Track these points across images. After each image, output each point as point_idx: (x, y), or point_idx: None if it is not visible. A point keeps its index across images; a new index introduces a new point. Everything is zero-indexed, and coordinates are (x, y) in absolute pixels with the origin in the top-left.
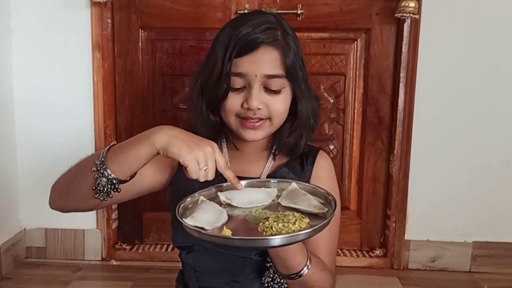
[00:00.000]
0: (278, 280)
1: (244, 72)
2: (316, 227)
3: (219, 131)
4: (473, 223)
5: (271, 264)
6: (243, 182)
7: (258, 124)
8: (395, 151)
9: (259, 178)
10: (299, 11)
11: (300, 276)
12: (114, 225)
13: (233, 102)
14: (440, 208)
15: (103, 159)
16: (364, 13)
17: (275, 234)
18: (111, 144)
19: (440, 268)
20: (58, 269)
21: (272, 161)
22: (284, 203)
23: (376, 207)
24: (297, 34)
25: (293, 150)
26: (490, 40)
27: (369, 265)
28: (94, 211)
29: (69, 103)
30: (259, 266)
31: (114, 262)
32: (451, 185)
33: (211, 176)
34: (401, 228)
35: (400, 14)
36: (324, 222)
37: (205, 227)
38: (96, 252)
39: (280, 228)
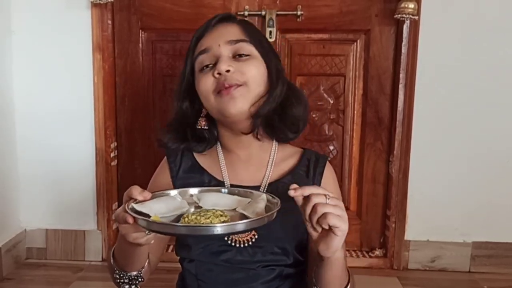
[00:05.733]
0: None
1: (207, 46)
2: (222, 224)
3: (211, 139)
4: (472, 223)
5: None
6: (224, 190)
7: (234, 90)
8: (394, 152)
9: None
10: (299, 12)
11: None
12: (115, 226)
13: (206, 80)
14: (439, 208)
15: (118, 271)
16: (363, 14)
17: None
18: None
19: (440, 268)
20: (58, 269)
21: (273, 167)
22: (238, 209)
23: (375, 207)
24: (297, 35)
25: (269, 125)
26: (489, 41)
27: (369, 265)
28: (95, 211)
29: (70, 104)
30: (263, 277)
31: None
32: (450, 185)
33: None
34: (401, 229)
35: (399, 15)
36: (228, 224)
37: (150, 214)
38: (97, 252)
39: (191, 219)
